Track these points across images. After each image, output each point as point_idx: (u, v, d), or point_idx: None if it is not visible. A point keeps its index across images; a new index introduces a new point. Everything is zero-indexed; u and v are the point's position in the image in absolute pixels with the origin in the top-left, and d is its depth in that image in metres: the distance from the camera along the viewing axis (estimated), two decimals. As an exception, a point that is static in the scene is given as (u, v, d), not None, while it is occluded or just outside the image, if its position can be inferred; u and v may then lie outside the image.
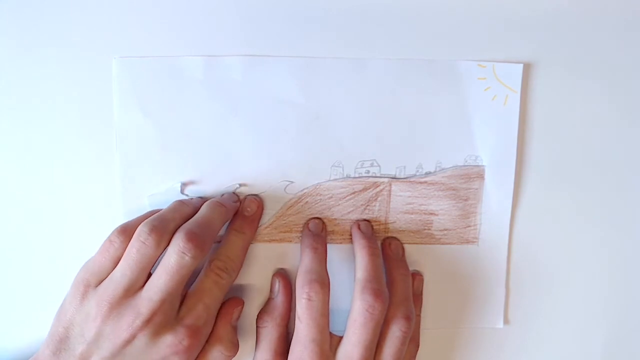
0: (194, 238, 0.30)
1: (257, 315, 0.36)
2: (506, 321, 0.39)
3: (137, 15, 0.34)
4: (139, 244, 0.30)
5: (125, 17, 0.34)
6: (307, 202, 0.36)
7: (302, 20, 0.35)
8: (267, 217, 0.36)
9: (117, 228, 0.31)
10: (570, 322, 0.39)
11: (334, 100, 0.35)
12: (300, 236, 0.36)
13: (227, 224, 0.35)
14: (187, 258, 0.30)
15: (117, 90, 0.34)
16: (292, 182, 0.35)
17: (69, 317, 0.30)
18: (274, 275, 0.36)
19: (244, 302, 0.35)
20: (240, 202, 0.35)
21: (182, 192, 0.35)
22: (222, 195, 0.35)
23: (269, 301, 0.36)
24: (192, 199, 0.35)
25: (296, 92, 0.35)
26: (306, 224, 0.36)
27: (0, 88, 0.34)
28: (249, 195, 0.35)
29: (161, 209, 0.33)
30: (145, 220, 0.31)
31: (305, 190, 0.36)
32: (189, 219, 0.32)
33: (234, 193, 0.35)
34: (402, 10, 0.35)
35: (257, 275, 0.36)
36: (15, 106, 0.34)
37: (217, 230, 0.33)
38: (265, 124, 0.35)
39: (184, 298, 0.32)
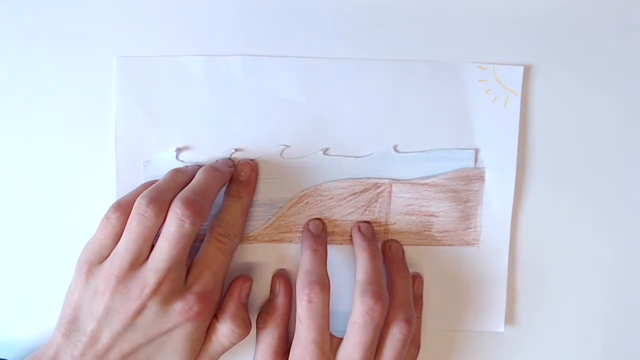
0: (191, 205, 0.30)
1: (258, 316, 0.36)
2: (507, 324, 0.38)
3: (138, 15, 0.34)
4: (139, 217, 0.30)
5: (126, 16, 0.34)
6: (307, 202, 0.36)
7: (304, 20, 0.35)
8: (268, 217, 0.36)
9: (112, 205, 0.31)
10: (571, 325, 0.39)
11: (335, 101, 0.35)
12: (301, 237, 0.36)
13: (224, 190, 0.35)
14: (186, 225, 0.30)
15: (118, 90, 0.34)
16: (288, 146, 0.35)
17: (76, 298, 0.31)
18: (274, 275, 0.36)
19: (252, 280, 0.35)
20: (236, 167, 0.35)
21: (177, 158, 0.35)
22: (217, 161, 0.35)
23: (269, 302, 0.36)
24: (187, 166, 0.35)
25: (297, 92, 0.35)
26: (306, 224, 0.36)
27: (0, 87, 0.34)
28: (242, 160, 0.35)
29: (155, 180, 0.33)
30: (143, 193, 0.31)
31: (305, 191, 0.36)
32: (185, 186, 0.32)
33: (229, 158, 0.35)
34: (403, 11, 0.35)
35: (257, 275, 0.36)
36: (15, 106, 0.34)
37: (213, 195, 0.33)
38: (265, 124, 0.35)
39: (189, 268, 0.32)
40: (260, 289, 0.36)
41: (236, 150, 0.35)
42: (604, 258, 0.39)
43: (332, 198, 0.36)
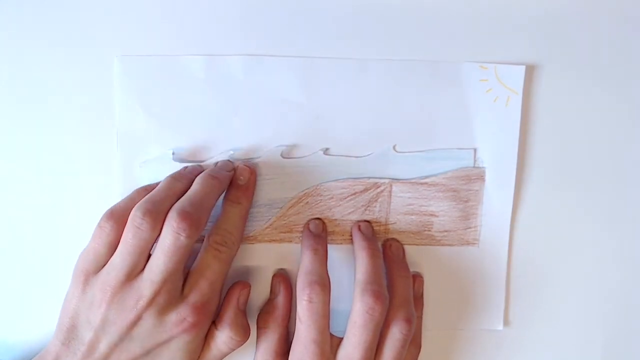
0: (187, 217, 0.30)
1: (258, 316, 0.36)
2: (506, 323, 0.39)
3: (139, 14, 0.34)
4: (134, 229, 0.30)
5: (127, 16, 0.34)
6: (307, 202, 0.36)
7: (304, 20, 0.34)
8: (268, 217, 0.36)
9: (105, 213, 0.31)
10: (570, 324, 0.39)
11: (335, 101, 0.35)
12: (301, 237, 0.36)
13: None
14: (182, 238, 0.30)
15: (119, 89, 0.34)
16: (288, 146, 0.35)
17: (73, 307, 0.31)
18: (274, 276, 0.36)
19: (250, 286, 0.34)
20: (235, 171, 0.34)
21: (174, 158, 0.35)
22: (217, 163, 0.34)
23: (269, 302, 0.36)
24: (186, 167, 0.34)
25: (297, 92, 0.35)
26: (306, 224, 0.36)
27: (1, 87, 0.34)
28: (241, 164, 0.35)
29: (149, 186, 0.33)
30: (138, 204, 0.30)
31: (305, 191, 0.36)
32: (182, 194, 0.32)
33: (228, 162, 0.35)
34: (403, 11, 0.35)
35: (257, 275, 0.36)
36: (15, 106, 0.34)
37: (211, 205, 0.32)
38: (265, 124, 0.35)
39: (186, 277, 0.32)
40: (261, 289, 0.36)
41: (236, 150, 0.35)
42: (603, 258, 0.39)
43: (332, 198, 0.36)
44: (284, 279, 0.36)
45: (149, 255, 0.31)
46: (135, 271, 0.30)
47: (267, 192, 0.36)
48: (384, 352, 0.32)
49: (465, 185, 0.37)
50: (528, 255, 0.38)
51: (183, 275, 0.31)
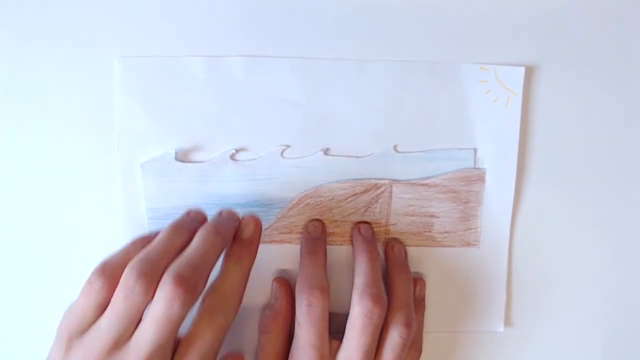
0: (183, 283, 0.27)
1: (259, 321, 0.35)
2: (507, 324, 0.38)
3: (139, 15, 0.34)
4: (126, 292, 0.27)
5: (127, 17, 0.34)
6: (307, 203, 0.36)
7: (304, 20, 0.35)
8: (269, 218, 0.36)
9: (96, 267, 0.29)
10: (571, 325, 0.39)
11: (335, 101, 0.35)
12: (301, 238, 0.36)
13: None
14: (175, 307, 0.27)
15: (119, 90, 0.34)
16: (288, 146, 0.35)
17: None
18: (274, 280, 0.36)
19: (243, 357, 0.33)
20: (239, 222, 0.32)
21: (176, 158, 0.35)
22: (221, 213, 0.32)
23: (270, 306, 0.35)
24: (189, 213, 0.32)
25: (298, 93, 0.35)
26: (306, 226, 0.36)
27: (1, 87, 0.34)
28: (247, 214, 0.33)
29: (148, 236, 0.31)
30: (133, 262, 0.28)
31: (306, 192, 0.36)
32: (182, 249, 0.29)
33: (233, 212, 0.32)
34: (403, 11, 0.35)
35: (257, 276, 0.36)
36: (15, 106, 0.34)
37: (211, 266, 0.30)
38: (266, 124, 0.35)
39: (177, 345, 0.29)
40: (261, 291, 0.36)
41: (237, 150, 0.35)
42: (604, 258, 0.39)
43: (332, 199, 0.36)
44: (284, 283, 0.35)
45: (140, 319, 0.28)
46: (122, 338, 0.28)
47: (267, 192, 0.35)
48: (383, 356, 0.32)
49: (466, 187, 0.37)
50: (528, 256, 0.38)
51: (174, 344, 0.29)
